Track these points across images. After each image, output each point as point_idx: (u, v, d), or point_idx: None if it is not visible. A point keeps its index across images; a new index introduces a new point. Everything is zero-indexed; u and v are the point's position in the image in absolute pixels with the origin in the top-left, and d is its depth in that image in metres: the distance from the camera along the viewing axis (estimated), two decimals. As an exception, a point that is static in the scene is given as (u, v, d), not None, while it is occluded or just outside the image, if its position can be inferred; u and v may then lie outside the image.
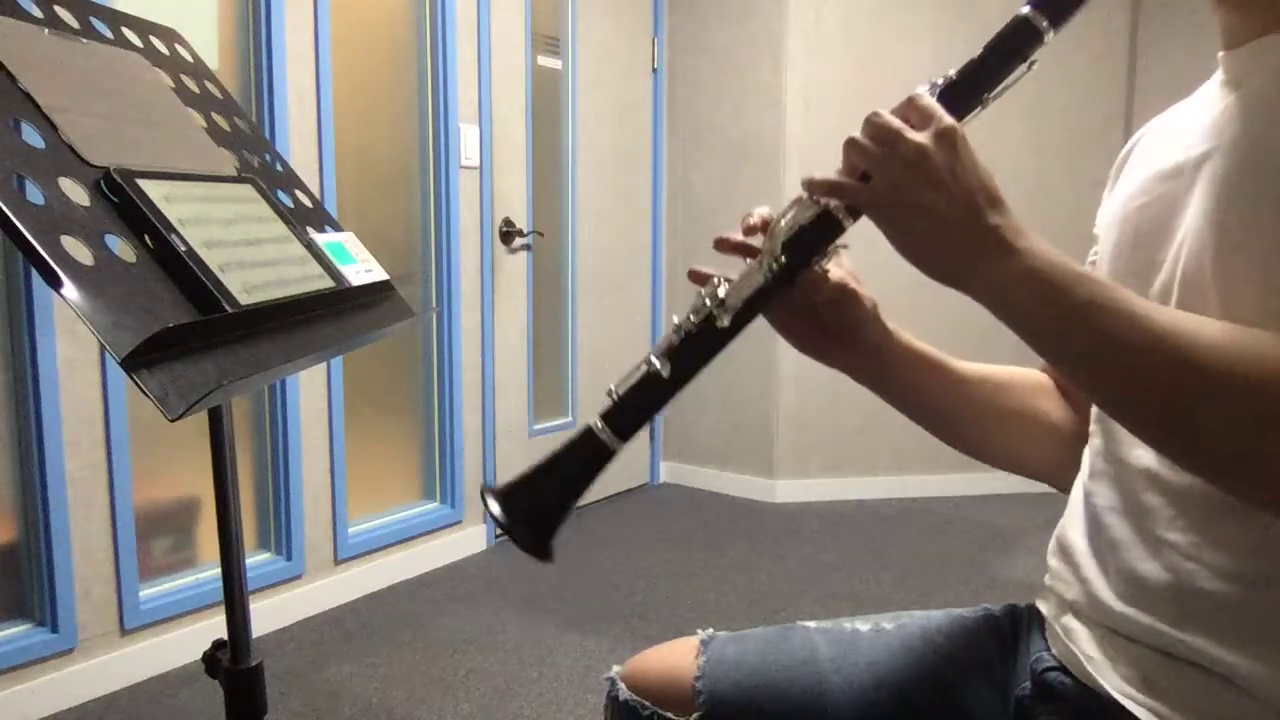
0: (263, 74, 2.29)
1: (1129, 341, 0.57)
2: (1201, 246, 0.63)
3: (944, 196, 0.60)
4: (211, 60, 2.21)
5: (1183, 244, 0.65)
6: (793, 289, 0.70)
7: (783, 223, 0.68)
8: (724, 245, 0.74)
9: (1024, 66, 0.66)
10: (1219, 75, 0.70)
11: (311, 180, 2.40)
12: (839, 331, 0.78)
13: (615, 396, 0.68)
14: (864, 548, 3.06)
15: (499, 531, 3.09)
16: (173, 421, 0.67)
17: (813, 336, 0.79)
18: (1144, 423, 0.60)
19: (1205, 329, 0.57)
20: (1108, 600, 0.70)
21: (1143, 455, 0.69)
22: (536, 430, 3.25)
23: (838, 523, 3.32)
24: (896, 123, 0.62)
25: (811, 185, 0.66)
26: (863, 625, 0.88)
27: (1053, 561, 0.80)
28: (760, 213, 0.73)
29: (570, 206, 3.35)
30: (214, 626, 2.19)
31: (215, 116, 1.06)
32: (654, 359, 0.68)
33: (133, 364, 0.66)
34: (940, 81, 0.66)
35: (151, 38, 1.04)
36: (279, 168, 1.13)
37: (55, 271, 0.66)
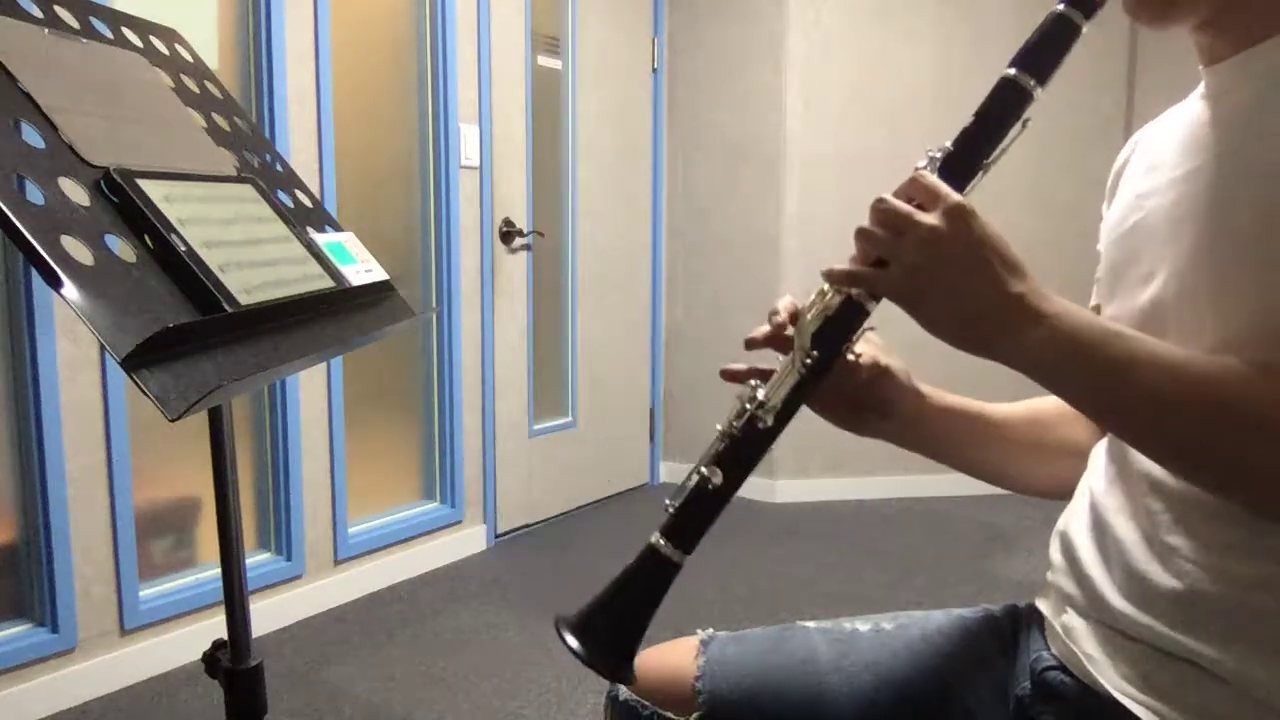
0: (263, 74, 2.29)
1: (1165, 394, 0.59)
2: (1186, 265, 0.65)
3: (963, 273, 0.61)
4: (211, 60, 2.21)
5: (1171, 261, 0.67)
6: (829, 378, 0.72)
7: (809, 315, 0.70)
8: (754, 344, 0.75)
9: (1018, 126, 0.67)
10: (1201, 89, 0.71)
11: (311, 180, 2.40)
12: (876, 405, 0.81)
13: (671, 510, 0.70)
14: (864, 548, 3.06)
15: (499, 531, 3.09)
16: (173, 421, 0.67)
17: (851, 413, 0.81)
18: (1193, 470, 0.61)
19: (1233, 373, 0.58)
20: (1110, 597, 0.71)
21: (1145, 460, 0.69)
22: (536, 430, 3.25)
23: (838, 523, 3.32)
24: (905, 207, 0.63)
25: (831, 276, 0.68)
26: (862, 625, 0.89)
27: (1055, 557, 0.80)
28: (785, 305, 0.75)
29: (570, 206, 3.35)
30: (214, 626, 2.19)
31: (215, 116, 1.06)
32: (704, 469, 0.69)
33: (133, 364, 0.66)
34: (939, 154, 0.67)
35: (151, 38, 1.04)
36: (279, 168, 1.13)
37: (55, 271, 0.66)
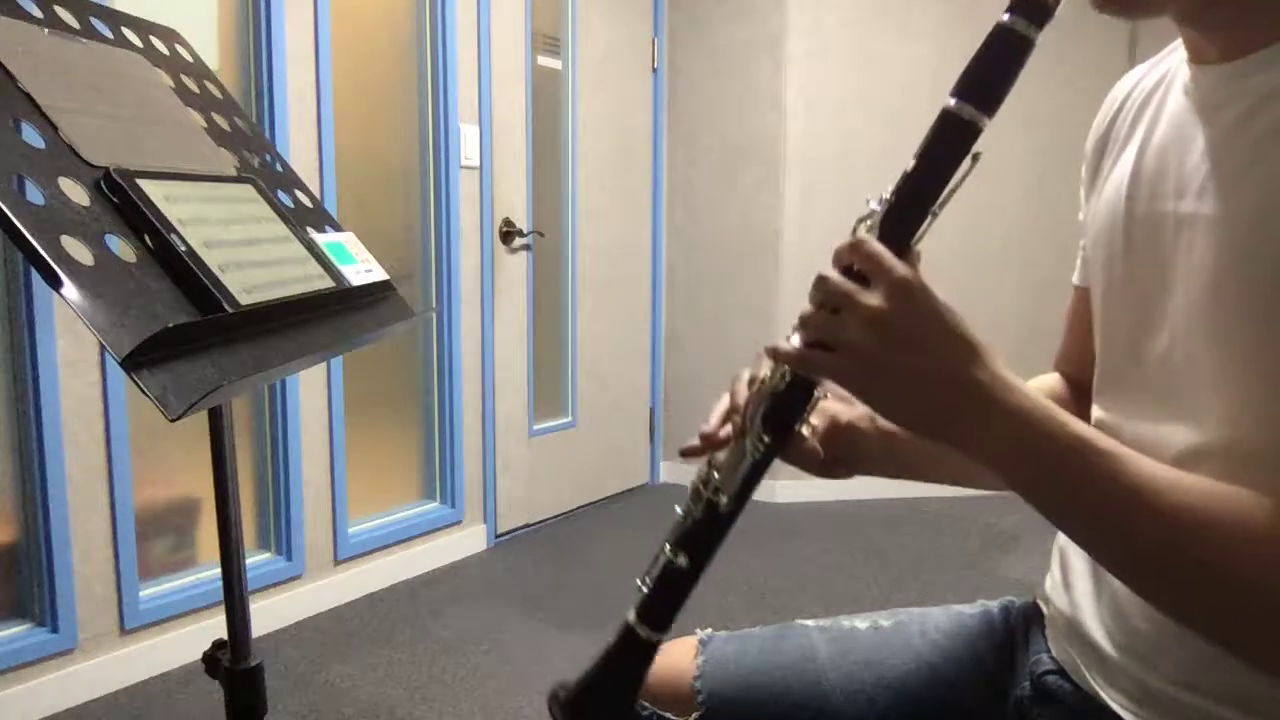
0: (263, 74, 2.29)
1: (1129, 520, 0.55)
2: (1195, 332, 0.61)
3: (911, 357, 0.56)
4: (211, 60, 2.21)
5: (1177, 321, 0.63)
6: (785, 456, 0.70)
7: (759, 400, 0.66)
8: (706, 444, 0.73)
9: (967, 162, 0.60)
10: (1189, 84, 0.65)
11: (311, 180, 2.40)
12: (844, 458, 0.80)
13: (644, 590, 0.70)
14: (864, 548, 3.06)
15: (499, 531, 3.09)
16: (173, 421, 0.67)
17: (825, 466, 0.79)
18: (1148, 595, 0.58)
19: (1217, 506, 0.54)
20: (1098, 636, 0.71)
21: None
22: (536, 430, 3.25)
23: (838, 523, 3.32)
24: (845, 285, 0.58)
25: (776, 357, 0.63)
26: (861, 623, 0.89)
27: (1054, 569, 0.80)
28: (740, 392, 0.72)
29: (570, 206, 3.35)
30: (214, 626, 2.19)
31: (215, 116, 1.06)
32: (669, 551, 0.68)
33: (133, 364, 0.66)
34: (879, 207, 0.61)
35: (151, 38, 1.04)
36: (279, 168, 1.13)
37: (55, 271, 0.66)
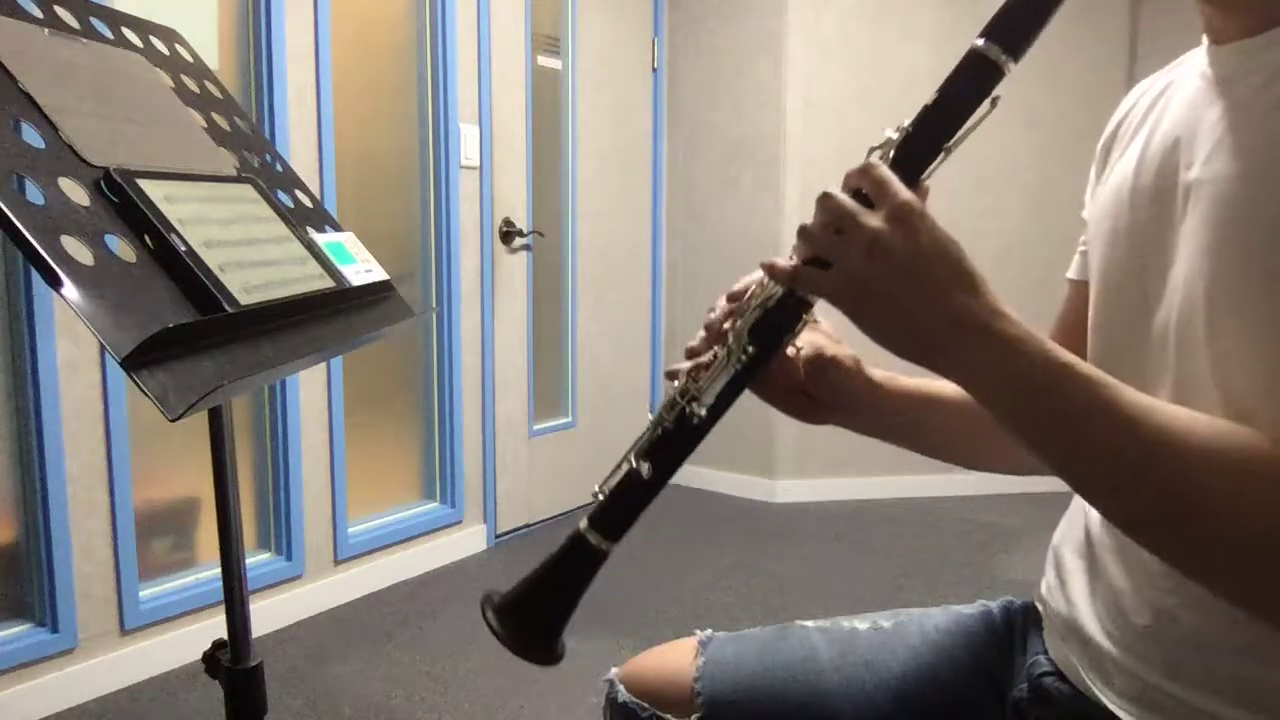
0: (263, 74, 2.29)
1: (1113, 447, 0.54)
2: (1193, 296, 0.61)
3: (908, 281, 0.56)
4: (211, 60, 2.21)
5: (1178, 286, 0.63)
6: (767, 373, 0.69)
7: (749, 308, 0.66)
8: (689, 356, 0.71)
9: (986, 105, 0.61)
10: (1205, 68, 0.66)
11: (311, 180, 2.40)
12: (825, 397, 0.77)
13: (601, 497, 0.68)
14: (864, 548, 3.06)
15: (499, 531, 3.09)
16: (173, 421, 0.67)
17: (802, 406, 0.78)
18: (1117, 518, 0.58)
19: (1195, 435, 0.54)
20: (1095, 634, 0.70)
21: None
22: (536, 430, 3.25)
23: (838, 523, 3.32)
24: (849, 205, 0.58)
25: (772, 271, 0.63)
26: (861, 624, 0.89)
27: (1049, 572, 0.80)
28: (722, 307, 0.71)
29: (570, 206, 3.35)
30: (214, 626, 2.19)
31: (215, 116, 1.06)
32: (633, 459, 0.67)
33: (133, 364, 0.66)
34: (896, 135, 0.62)
35: (151, 38, 1.04)
36: (279, 168, 1.13)
37: (55, 271, 0.66)
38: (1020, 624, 0.85)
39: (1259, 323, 0.56)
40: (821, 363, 0.75)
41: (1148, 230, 0.67)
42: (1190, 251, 0.62)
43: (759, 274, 0.67)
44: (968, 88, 0.61)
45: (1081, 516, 0.77)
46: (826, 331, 0.77)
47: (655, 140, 3.70)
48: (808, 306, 0.65)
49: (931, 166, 0.62)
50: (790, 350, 0.74)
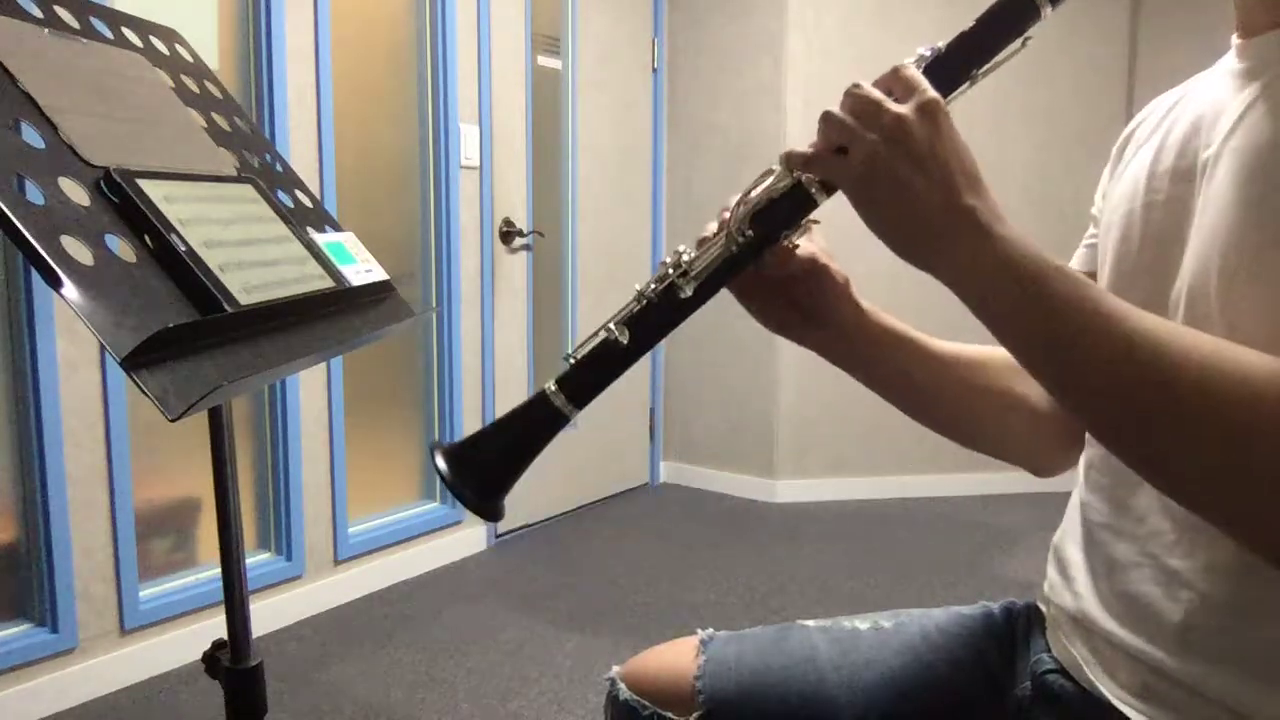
0: (263, 74, 2.29)
1: (1101, 345, 0.54)
2: (1207, 263, 0.61)
3: (920, 173, 0.57)
4: (211, 60, 2.21)
5: (1191, 259, 0.63)
6: (760, 262, 0.68)
7: (753, 195, 0.66)
8: (704, 243, 0.70)
9: (1018, 43, 0.62)
10: (1233, 63, 0.66)
11: (311, 180, 2.40)
12: (810, 308, 0.76)
13: (572, 362, 0.67)
14: (864, 548, 3.06)
15: (499, 531, 3.09)
16: (173, 421, 0.67)
17: (782, 313, 0.76)
18: (1110, 431, 0.56)
19: (1182, 338, 0.53)
20: (1102, 620, 0.70)
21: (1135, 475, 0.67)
22: (536, 430, 3.25)
23: (838, 523, 3.32)
24: (876, 94, 0.59)
25: (790, 158, 0.64)
26: (862, 624, 0.88)
27: (1051, 571, 0.80)
28: (734, 199, 0.70)
29: (570, 206, 3.35)
30: (214, 626, 2.19)
31: (215, 116, 1.06)
32: (613, 326, 0.66)
33: (133, 364, 0.66)
34: (929, 53, 0.63)
35: (151, 38, 1.04)
36: (279, 168, 1.13)
37: (55, 271, 0.66)
38: (1022, 624, 0.85)
39: (1275, 284, 0.56)
40: (815, 268, 0.74)
41: (1165, 208, 0.68)
42: (1208, 220, 0.62)
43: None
44: (1007, 21, 0.62)
45: (1078, 509, 0.77)
46: (822, 244, 0.76)
47: (655, 140, 3.70)
48: (813, 205, 0.65)
49: (957, 91, 0.63)
50: (786, 244, 0.72)
